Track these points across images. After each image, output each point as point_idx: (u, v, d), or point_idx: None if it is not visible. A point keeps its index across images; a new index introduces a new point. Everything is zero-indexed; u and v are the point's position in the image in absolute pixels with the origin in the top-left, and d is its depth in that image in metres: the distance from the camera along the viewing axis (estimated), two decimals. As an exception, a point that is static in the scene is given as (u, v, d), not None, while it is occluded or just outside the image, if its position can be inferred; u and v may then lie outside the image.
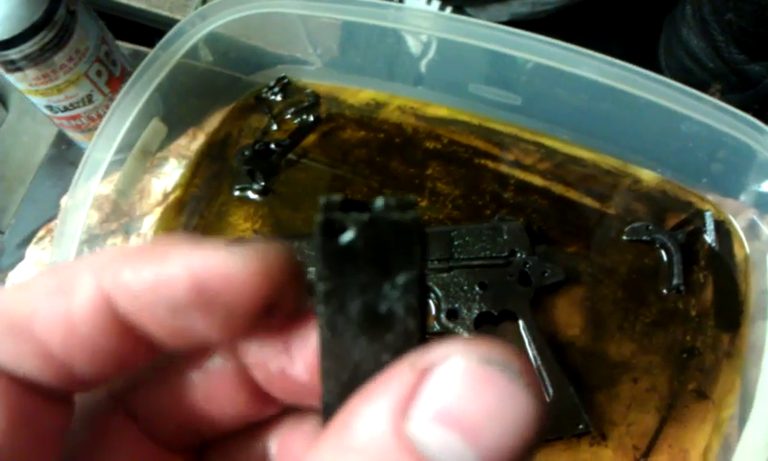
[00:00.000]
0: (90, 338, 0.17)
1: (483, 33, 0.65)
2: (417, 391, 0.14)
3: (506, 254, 0.62)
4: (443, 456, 0.13)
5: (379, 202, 0.14)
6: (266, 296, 0.17)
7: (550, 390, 0.57)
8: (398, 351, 0.14)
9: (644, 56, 0.76)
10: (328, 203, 0.14)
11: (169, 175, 0.69)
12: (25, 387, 0.18)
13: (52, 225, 0.72)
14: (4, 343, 0.17)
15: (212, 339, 0.18)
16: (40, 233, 0.72)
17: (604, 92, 0.63)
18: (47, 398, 0.18)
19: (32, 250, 0.72)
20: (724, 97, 0.61)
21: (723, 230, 0.66)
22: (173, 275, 0.16)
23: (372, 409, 0.14)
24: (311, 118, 0.73)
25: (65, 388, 0.18)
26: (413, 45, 0.71)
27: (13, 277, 0.71)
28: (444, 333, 0.60)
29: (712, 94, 0.61)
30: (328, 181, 0.70)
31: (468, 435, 0.13)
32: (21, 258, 0.72)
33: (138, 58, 0.68)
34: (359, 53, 0.74)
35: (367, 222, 0.14)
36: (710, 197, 0.67)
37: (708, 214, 0.66)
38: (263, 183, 0.68)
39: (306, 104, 0.74)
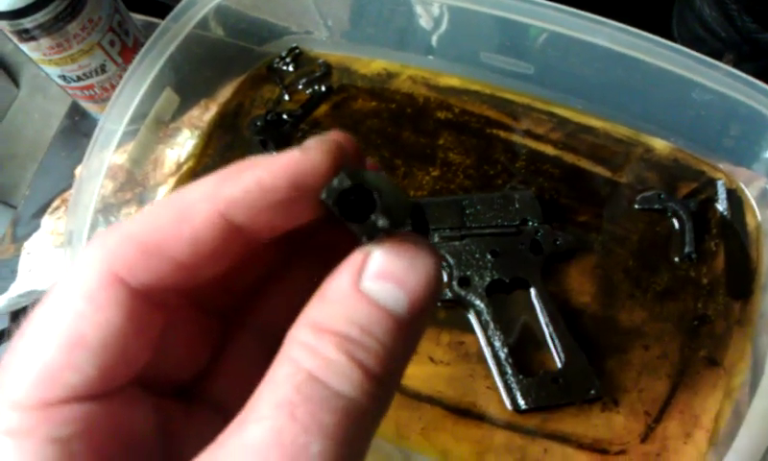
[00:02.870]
0: (212, 248, 0.22)
1: (495, 0, 0.65)
2: (364, 264, 0.21)
3: (517, 222, 0.63)
4: (384, 297, 0.20)
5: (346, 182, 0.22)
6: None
7: (562, 356, 0.57)
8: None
9: (657, 26, 0.75)
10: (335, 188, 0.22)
11: (182, 145, 0.70)
12: (141, 296, 0.21)
13: (66, 195, 0.73)
14: (141, 264, 0.21)
15: (297, 224, 0.23)
16: (55, 203, 0.73)
17: (616, 60, 0.63)
18: (154, 305, 0.22)
19: (47, 219, 0.72)
20: (737, 67, 0.61)
21: (735, 198, 0.66)
22: (276, 182, 0.22)
23: (339, 278, 0.21)
24: (323, 88, 0.73)
25: (188, 289, 0.23)
26: (424, 14, 0.71)
27: (29, 246, 0.71)
28: (457, 301, 0.60)
29: (725, 64, 0.61)
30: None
31: (397, 282, 0.21)
32: (37, 228, 0.73)
33: (150, 29, 0.68)
34: (370, 23, 0.74)
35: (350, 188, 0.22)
36: (723, 166, 0.67)
37: (720, 183, 0.66)
38: (275, 154, 0.68)
39: (318, 74, 0.75)
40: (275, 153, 0.23)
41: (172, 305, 0.23)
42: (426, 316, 0.22)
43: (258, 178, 0.22)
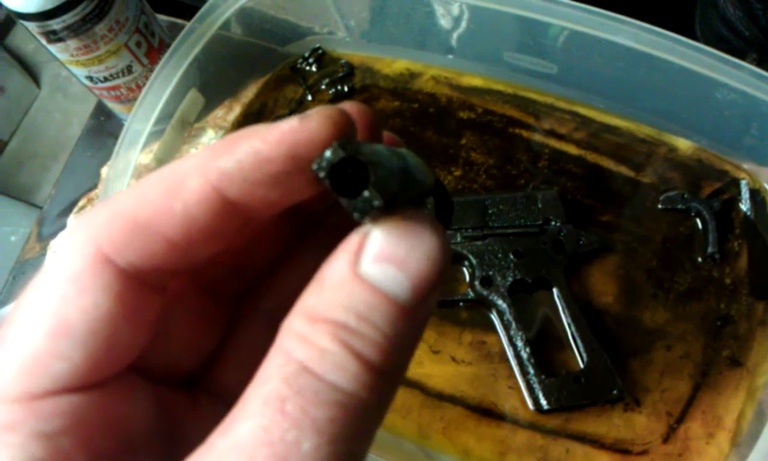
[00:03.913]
0: (205, 226, 0.20)
1: (517, 0, 0.65)
2: (362, 246, 0.19)
3: (540, 222, 0.63)
4: (384, 281, 0.19)
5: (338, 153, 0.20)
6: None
7: (585, 356, 0.57)
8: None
9: (680, 25, 0.75)
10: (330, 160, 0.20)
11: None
12: (132, 278, 0.20)
13: (92, 194, 0.74)
14: (130, 242, 0.20)
15: (299, 200, 0.22)
16: (81, 203, 0.74)
17: (640, 59, 0.63)
18: (148, 288, 0.21)
19: (73, 219, 0.73)
20: (760, 66, 0.60)
21: (758, 198, 0.65)
22: (272, 152, 0.20)
23: (335, 262, 0.20)
24: (345, 89, 0.74)
25: (182, 270, 0.22)
26: (446, 14, 0.71)
27: (55, 245, 0.72)
28: (479, 300, 0.61)
29: (749, 63, 0.60)
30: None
31: (399, 264, 0.19)
32: (62, 227, 0.74)
33: (175, 30, 0.69)
34: (391, 22, 0.74)
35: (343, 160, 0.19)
36: (746, 165, 0.67)
37: (743, 183, 0.66)
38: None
39: (341, 74, 0.75)
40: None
41: (171, 289, 0.22)
42: (432, 301, 0.20)
43: (253, 148, 0.20)
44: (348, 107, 0.23)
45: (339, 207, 0.21)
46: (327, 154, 0.19)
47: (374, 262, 0.19)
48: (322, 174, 0.19)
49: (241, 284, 0.26)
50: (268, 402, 0.17)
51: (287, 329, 0.19)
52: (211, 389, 0.25)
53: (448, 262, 0.20)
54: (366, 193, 0.19)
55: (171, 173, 0.21)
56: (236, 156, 0.20)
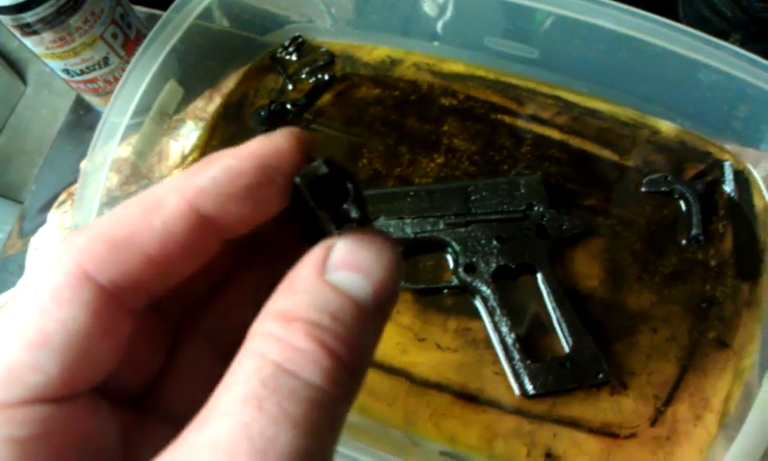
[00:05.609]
0: (183, 242, 0.22)
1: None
2: (328, 255, 0.21)
3: (523, 207, 0.62)
4: (350, 286, 0.21)
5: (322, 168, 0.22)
6: (301, 158, 0.23)
7: (570, 340, 0.57)
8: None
9: (662, 7, 0.74)
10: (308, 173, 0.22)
11: (186, 137, 0.70)
12: (110, 296, 0.21)
13: (72, 189, 0.73)
14: (110, 258, 0.21)
15: (269, 215, 0.23)
16: (61, 198, 0.73)
17: (621, 42, 0.63)
18: (124, 308, 0.22)
19: (53, 214, 0.72)
20: (743, 47, 0.60)
21: (742, 179, 0.65)
22: (243, 166, 0.22)
23: (303, 270, 0.21)
24: (326, 77, 0.73)
25: (158, 287, 0.22)
26: (429, 0, 0.70)
27: (36, 241, 0.72)
28: (463, 287, 0.60)
29: (732, 44, 0.60)
30: (345, 141, 0.70)
31: (362, 272, 0.21)
32: (43, 223, 0.73)
33: (153, 21, 0.68)
34: (375, 10, 0.74)
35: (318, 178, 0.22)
36: (730, 147, 0.67)
37: (727, 164, 0.66)
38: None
39: (321, 63, 0.74)
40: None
41: (141, 311, 0.23)
42: (390, 306, 0.22)
43: (225, 164, 0.22)
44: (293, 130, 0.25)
45: (274, 236, 0.26)
46: (312, 167, 0.22)
47: (340, 270, 0.21)
48: (304, 185, 0.22)
49: (184, 305, 0.27)
50: (246, 402, 0.18)
51: (257, 332, 0.20)
52: (156, 408, 0.26)
53: (402, 273, 0.24)
54: (346, 206, 0.22)
55: (149, 194, 0.22)
56: (210, 172, 0.22)
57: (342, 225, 0.22)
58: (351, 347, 0.20)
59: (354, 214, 0.22)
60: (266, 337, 0.20)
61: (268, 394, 0.18)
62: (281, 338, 0.19)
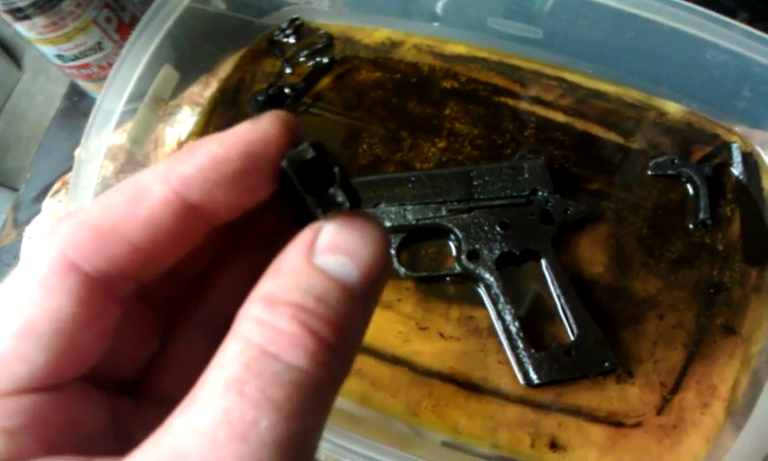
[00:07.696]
0: (168, 230, 0.21)
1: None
2: (315, 239, 0.21)
3: (527, 192, 0.61)
4: (337, 269, 0.21)
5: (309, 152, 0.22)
6: (289, 142, 0.23)
7: (575, 328, 0.56)
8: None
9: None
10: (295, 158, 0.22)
11: (183, 123, 0.69)
12: (96, 284, 0.21)
13: (67, 177, 0.72)
14: (96, 247, 0.21)
15: (256, 201, 0.23)
16: (56, 186, 0.72)
17: (627, 21, 0.61)
18: (111, 296, 0.22)
19: (48, 203, 0.71)
20: (751, 25, 0.59)
21: (750, 162, 0.64)
22: (229, 153, 0.22)
23: (291, 253, 0.21)
24: (325, 60, 0.71)
25: (147, 278, 0.23)
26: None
27: (31, 230, 0.70)
28: (466, 275, 0.59)
29: (740, 23, 0.59)
30: (345, 126, 0.68)
31: (349, 255, 0.21)
32: (38, 212, 0.72)
33: (147, 4, 0.66)
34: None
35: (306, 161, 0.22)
36: (738, 128, 0.65)
37: (735, 146, 0.64)
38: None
39: (320, 45, 0.73)
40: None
41: (128, 298, 0.23)
42: (378, 289, 0.22)
43: (210, 151, 0.22)
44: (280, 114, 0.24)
45: (266, 219, 0.26)
46: (298, 151, 0.22)
47: (327, 253, 0.21)
48: (291, 169, 0.22)
49: (174, 291, 0.27)
50: (228, 386, 0.18)
51: (244, 316, 0.20)
52: (151, 394, 0.26)
53: (390, 256, 0.23)
54: (332, 191, 0.22)
55: (133, 183, 0.22)
56: (195, 160, 0.22)
57: (329, 209, 0.22)
58: (337, 329, 0.20)
59: (340, 199, 0.22)
60: (251, 321, 0.20)
61: (250, 378, 0.18)
62: (266, 321, 0.19)
